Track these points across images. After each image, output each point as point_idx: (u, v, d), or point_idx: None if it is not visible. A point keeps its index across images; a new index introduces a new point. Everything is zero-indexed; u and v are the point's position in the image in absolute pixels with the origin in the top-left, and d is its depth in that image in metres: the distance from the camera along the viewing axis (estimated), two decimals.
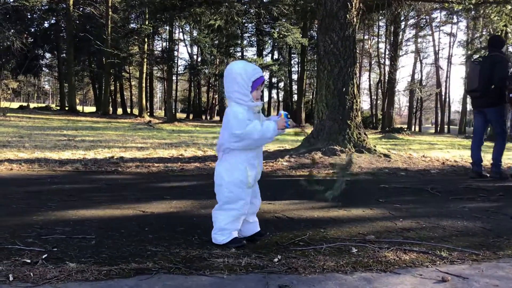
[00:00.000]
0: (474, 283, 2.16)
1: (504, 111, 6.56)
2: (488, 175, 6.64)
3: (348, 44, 7.84)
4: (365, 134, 8.16)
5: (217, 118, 47.34)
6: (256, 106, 2.57)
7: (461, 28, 48.12)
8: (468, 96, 6.87)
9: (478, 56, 6.87)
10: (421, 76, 54.21)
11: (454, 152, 11.69)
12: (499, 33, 10.16)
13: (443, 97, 51.39)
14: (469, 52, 36.21)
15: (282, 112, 2.63)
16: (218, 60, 36.72)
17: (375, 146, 8.23)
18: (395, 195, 4.69)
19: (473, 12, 12.61)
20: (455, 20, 44.74)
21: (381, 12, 12.18)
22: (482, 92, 6.43)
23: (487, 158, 7.12)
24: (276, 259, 2.39)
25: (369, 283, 2.13)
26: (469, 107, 48.11)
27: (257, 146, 2.63)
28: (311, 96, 46.53)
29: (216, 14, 10.92)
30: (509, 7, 9.16)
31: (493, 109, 6.43)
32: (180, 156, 7.82)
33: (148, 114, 35.71)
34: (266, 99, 46.72)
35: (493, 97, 6.35)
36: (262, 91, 2.75)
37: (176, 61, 40.80)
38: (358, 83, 8.50)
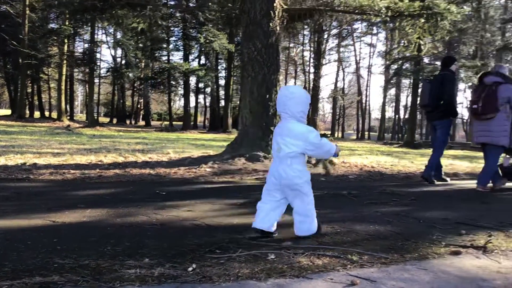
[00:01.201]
0: (381, 285, 2.24)
1: (450, 124, 7.36)
2: (448, 179, 7.43)
3: (271, 51, 7.98)
4: None
5: (142, 123, 46.33)
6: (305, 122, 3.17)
7: (380, 39, 50.46)
8: (421, 109, 7.76)
9: (431, 75, 7.60)
10: (344, 84, 56.21)
11: (372, 158, 12.20)
12: (414, 45, 10.73)
13: (364, 104, 53.58)
14: (387, 62, 38.11)
15: (330, 137, 3.13)
16: (143, 63, 36.04)
17: None
18: (316, 200, 4.80)
19: (390, 24, 13.27)
20: (375, 31, 46.98)
21: (304, 21, 12.50)
22: (432, 107, 7.13)
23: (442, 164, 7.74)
24: (190, 268, 2.37)
25: None
26: (387, 114, 50.62)
27: (318, 155, 3.26)
28: (238, 102, 46.78)
29: (140, 17, 10.73)
30: (422, 21, 9.72)
31: (440, 122, 7.15)
32: (99, 163, 7.57)
33: (68, 118, 34.32)
34: (192, 104, 46.51)
35: (442, 112, 7.05)
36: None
37: (98, 64, 39.53)
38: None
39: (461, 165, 11.31)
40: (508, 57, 35.48)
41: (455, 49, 36.55)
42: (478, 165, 11.27)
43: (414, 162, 11.65)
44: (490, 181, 6.57)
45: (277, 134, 3.16)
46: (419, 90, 39.64)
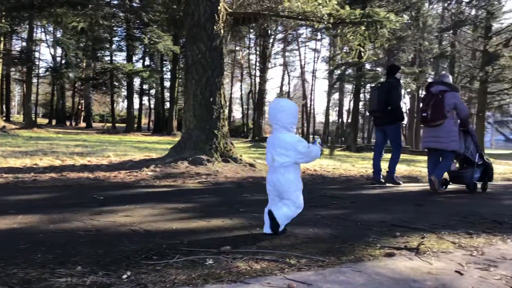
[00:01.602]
0: None
1: (400, 127, 7.85)
2: (383, 181, 7.78)
3: (215, 54, 7.95)
4: (231, 143, 8.32)
5: (83, 124, 44.96)
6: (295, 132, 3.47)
7: (324, 45, 51.60)
8: (370, 115, 8.43)
9: (377, 82, 8.18)
10: (289, 88, 56.98)
11: (315, 161, 12.40)
12: (355, 52, 11.01)
13: (309, 108, 54.48)
14: (331, 68, 38.93)
15: (317, 139, 3.59)
16: (84, 63, 34.99)
17: (241, 156, 8.42)
18: (255, 204, 4.81)
19: (333, 31, 13.56)
20: (319, 37, 47.92)
21: (250, 25, 12.56)
22: (381, 113, 7.61)
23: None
24: (125, 276, 2.30)
25: None
26: (331, 118, 51.73)
27: (307, 162, 3.51)
28: (183, 104, 46.33)
29: (80, 16, 10.39)
30: (363, 28, 10.00)
31: (391, 126, 7.65)
32: (34, 166, 7.27)
33: (4, 118, 32.74)
34: (136, 106, 45.61)
35: (390, 117, 7.57)
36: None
37: (37, 63, 37.99)
38: (225, 93, 8.65)
39: (399, 168, 11.69)
40: (445, 65, 37.09)
41: (395, 56, 37.85)
42: (416, 169, 11.72)
43: (355, 165, 11.95)
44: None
45: (270, 145, 3.44)
46: (361, 96, 40.78)
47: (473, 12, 28.77)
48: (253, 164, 8.16)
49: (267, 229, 3.39)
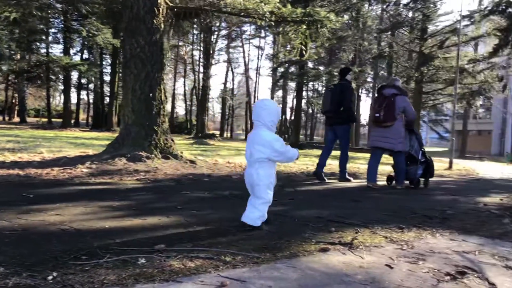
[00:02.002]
0: (250, 285, 2.26)
1: (350, 129, 8.22)
2: (326, 179, 8.15)
3: (155, 49, 7.80)
4: (172, 140, 8.20)
5: (17, 119, 42.95)
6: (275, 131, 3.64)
7: (268, 43, 51.85)
8: (324, 115, 8.87)
9: (331, 83, 8.54)
10: (233, 85, 56.94)
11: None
12: (296, 50, 11.14)
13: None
14: (274, 65, 39.27)
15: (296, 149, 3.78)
16: (18, 55, 33.39)
17: (182, 152, 8.32)
18: (194, 202, 4.77)
19: (276, 29, 13.65)
20: (263, 34, 48.20)
21: (193, 20, 12.41)
22: (333, 113, 7.96)
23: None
24: (50, 277, 2.20)
25: None
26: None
27: (282, 161, 3.66)
28: (122, 99, 45.28)
29: (12, 6, 9.87)
30: (304, 27, 10.12)
31: (341, 127, 8.02)
32: None
33: None
34: (74, 101, 44.12)
35: (342, 118, 7.94)
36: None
37: None
38: (166, 88, 8.50)
39: (336, 164, 11.95)
40: (383, 65, 38.29)
41: (336, 55, 38.73)
42: (354, 165, 12.02)
43: (296, 162, 12.09)
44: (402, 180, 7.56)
45: (250, 141, 3.59)
46: (304, 93, 41.38)
47: (410, 14, 29.85)
48: (194, 161, 8.08)
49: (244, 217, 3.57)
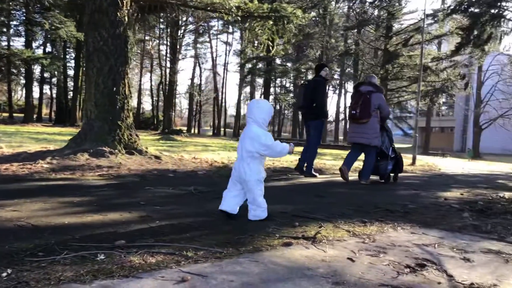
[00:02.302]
0: (212, 280, 2.23)
1: (322, 124, 8.22)
2: (317, 174, 8.37)
3: (119, 42, 7.65)
4: (136, 135, 8.08)
5: None
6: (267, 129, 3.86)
7: (236, 38, 51.71)
8: (298, 110, 9.11)
9: (305, 80, 8.66)
10: (200, 80, 56.59)
11: (224, 153, 12.42)
12: (263, 46, 11.14)
13: (220, 101, 54.51)
14: (242, 61, 39.22)
15: (292, 143, 4.07)
16: None
17: (147, 148, 8.20)
18: (158, 197, 4.71)
19: (243, 24, 13.62)
20: (230, 30, 48.04)
21: (158, 14, 12.24)
22: (306, 109, 8.10)
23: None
24: (5, 274, 2.12)
25: None
26: (242, 111, 52.17)
27: (271, 155, 3.81)
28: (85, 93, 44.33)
29: None
30: (271, 23, 10.12)
31: (314, 122, 8.10)
32: None
33: None
34: (37, 95, 42.99)
35: (314, 113, 8.04)
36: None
37: None
38: (130, 83, 8.35)
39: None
40: (350, 62, 38.77)
41: (304, 52, 38.96)
42: (320, 161, 12.12)
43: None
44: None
45: (242, 136, 3.83)
46: (271, 89, 41.50)
47: (376, 12, 30.32)
48: (159, 157, 7.98)
49: (222, 207, 3.77)
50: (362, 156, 8.00)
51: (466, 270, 2.65)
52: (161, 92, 48.21)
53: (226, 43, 53.22)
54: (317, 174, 8.31)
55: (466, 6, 12.73)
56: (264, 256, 2.72)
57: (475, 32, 13.14)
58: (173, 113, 41.10)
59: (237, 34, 49.37)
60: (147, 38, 44.58)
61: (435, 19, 23.18)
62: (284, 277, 2.33)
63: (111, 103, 7.56)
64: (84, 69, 30.22)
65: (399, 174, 8.46)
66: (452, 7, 13.68)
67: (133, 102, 52.64)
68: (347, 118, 8.01)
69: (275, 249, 2.90)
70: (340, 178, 7.65)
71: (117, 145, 7.47)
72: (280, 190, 6.19)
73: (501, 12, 11.09)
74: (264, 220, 3.75)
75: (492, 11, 11.38)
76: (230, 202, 3.78)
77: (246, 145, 3.71)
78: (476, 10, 12.28)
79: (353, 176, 8.11)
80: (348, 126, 8.17)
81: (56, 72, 36.49)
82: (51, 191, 4.71)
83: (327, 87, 8.43)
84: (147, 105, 63.49)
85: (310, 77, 38.22)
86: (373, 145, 7.47)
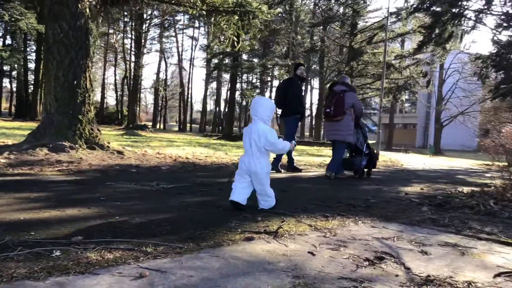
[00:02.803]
0: (171, 275, 2.20)
1: (296, 121, 8.42)
2: (299, 167, 8.75)
3: (80, 35, 7.47)
4: (98, 130, 7.92)
5: None
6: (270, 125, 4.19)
7: (202, 33, 51.29)
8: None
9: (284, 78, 8.94)
10: (166, 75, 55.94)
11: (188, 149, 12.34)
12: (228, 40, 11.08)
13: (186, 96, 54.05)
14: (208, 56, 38.97)
15: (293, 141, 4.61)
16: None
17: (109, 143, 8.05)
18: (119, 193, 4.63)
19: (208, 19, 13.51)
20: (196, 24, 47.66)
21: (121, 7, 12.01)
22: (282, 106, 8.34)
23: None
24: None
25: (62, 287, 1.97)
26: (208, 107, 51.90)
27: (274, 151, 4.26)
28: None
29: None
30: (237, 18, 10.08)
31: (287, 118, 8.34)
32: None
33: None
34: None
35: (288, 110, 8.28)
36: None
37: None
38: (92, 76, 8.17)
39: (272, 156, 12.06)
40: (315, 58, 39.06)
41: (270, 48, 39.02)
42: (285, 157, 12.18)
43: (229, 153, 12.10)
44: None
45: (249, 132, 4.12)
46: (238, 85, 41.39)
47: (341, 9, 30.62)
48: (122, 152, 7.85)
49: (233, 197, 4.04)
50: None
51: (424, 262, 2.70)
52: (126, 86, 47.40)
53: (192, 37, 52.83)
54: (282, 170, 8.39)
55: (428, 5, 12.97)
56: (225, 251, 2.70)
57: (437, 31, 13.43)
58: (138, 108, 40.49)
59: (204, 29, 49.07)
60: (111, 31, 43.78)
61: (399, 17, 23.59)
62: (244, 272, 2.32)
63: (72, 96, 7.38)
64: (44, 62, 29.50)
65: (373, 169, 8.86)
66: (415, 6, 13.94)
67: (97, 97, 51.71)
68: (323, 117, 8.31)
69: (236, 243, 2.88)
70: (304, 173, 7.72)
71: (78, 140, 7.31)
72: None
73: (461, 11, 11.37)
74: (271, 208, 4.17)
75: (453, 10, 11.65)
76: (240, 194, 4.05)
77: (255, 142, 4.06)
78: (438, 9, 12.55)
79: (317, 172, 8.19)
80: (323, 124, 8.42)
81: (16, 65, 35.42)
82: (8, 187, 4.57)
83: (303, 85, 8.54)
84: (111, 100, 62.39)
85: (276, 73, 38.42)
86: (346, 142, 7.75)
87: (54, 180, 5.23)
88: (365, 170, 8.52)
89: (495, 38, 10.09)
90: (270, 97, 58.47)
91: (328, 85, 8.87)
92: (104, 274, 2.17)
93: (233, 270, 2.34)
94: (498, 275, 2.50)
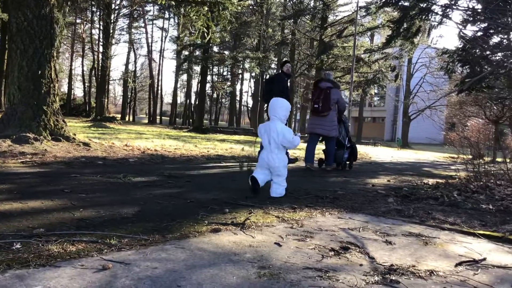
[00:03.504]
0: (135, 267, 2.17)
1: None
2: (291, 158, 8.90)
3: (44, 24, 7.28)
4: (63, 121, 7.75)
5: None
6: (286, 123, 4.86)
7: (172, 24, 50.70)
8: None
9: (270, 75, 8.94)
10: (135, 66, 55.13)
11: (158, 141, 12.21)
12: (198, 32, 10.99)
13: (156, 88, 53.41)
14: (178, 48, 38.59)
15: (298, 134, 4.94)
16: None
17: (75, 134, 7.89)
18: (84, 185, 4.54)
19: (179, 10, 13.36)
20: (167, 15, 47.08)
21: None
22: (268, 101, 8.23)
23: None
24: None
25: (21, 280, 1.92)
26: (179, 99, 51.38)
27: (289, 147, 4.84)
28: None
29: None
30: (206, 9, 10.00)
31: None
32: None
33: None
34: None
35: None
36: None
37: None
38: (57, 67, 7.97)
39: (237, 149, 12.07)
40: (286, 52, 39.12)
41: (241, 41, 38.90)
42: (255, 150, 12.19)
43: (198, 146, 12.04)
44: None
45: (268, 130, 4.67)
46: (208, 77, 41.18)
47: (312, 3, 30.74)
48: (88, 143, 7.70)
49: (256, 175, 4.65)
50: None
51: (387, 252, 2.75)
52: (94, 78, 46.46)
53: (162, 29, 52.14)
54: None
55: None
56: (191, 242, 2.68)
57: (405, 25, 13.58)
58: (106, 100, 39.81)
59: (174, 20, 48.52)
60: (78, 21, 42.84)
61: (368, 11, 23.79)
62: (210, 263, 2.31)
63: (36, 87, 7.19)
64: (8, 51, 28.66)
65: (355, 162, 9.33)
66: (384, 0, 14.07)
67: (64, 88, 50.65)
68: (309, 111, 8.65)
69: (203, 235, 2.87)
70: None
71: (43, 131, 7.13)
72: (212, 177, 6.15)
73: (429, 6, 11.53)
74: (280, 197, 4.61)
75: (421, 4, 11.79)
76: (260, 176, 4.62)
77: (274, 139, 4.61)
78: (406, 4, 12.68)
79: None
80: (309, 118, 8.71)
81: None
82: None
83: (288, 81, 8.91)
84: (79, 92, 61.17)
85: (247, 66, 38.30)
86: (331, 136, 8.16)
87: (17, 172, 5.09)
88: (347, 162, 8.91)
89: (461, 33, 10.28)
90: (241, 90, 58.44)
91: (313, 82, 9.36)
92: (65, 266, 2.13)
93: (198, 261, 2.33)
94: (460, 264, 2.56)
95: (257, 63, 31.72)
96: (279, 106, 4.73)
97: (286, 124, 8.60)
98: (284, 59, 10.82)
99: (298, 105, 50.74)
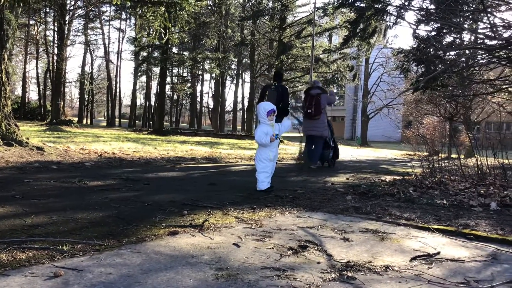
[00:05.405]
0: (88, 274, 2.11)
1: (287, 121, 9.11)
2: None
3: None
4: (16, 125, 7.49)
5: None
6: (270, 122, 5.18)
7: (129, 25, 49.83)
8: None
9: (271, 83, 9.33)
10: (92, 68, 53.96)
11: (116, 144, 11.97)
12: (155, 33, 10.85)
13: (114, 90, 52.41)
14: (136, 49, 37.99)
15: (278, 133, 5.29)
16: None
17: (27, 139, 7.64)
18: (37, 191, 4.39)
19: (134, 10, 13.15)
20: (124, 16, 46.32)
21: None
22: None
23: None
24: None
25: None
26: (138, 101, 50.60)
27: (265, 145, 5.17)
28: None
29: None
30: (163, 9, 9.87)
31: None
32: None
33: None
34: None
35: (281, 114, 8.53)
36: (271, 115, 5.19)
37: None
38: (9, 69, 7.70)
39: (200, 150, 11.99)
40: (246, 52, 39.16)
41: (201, 41, 38.68)
42: (216, 150, 12.14)
43: (158, 148, 11.87)
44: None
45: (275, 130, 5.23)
46: (168, 79, 40.71)
47: (270, 3, 30.87)
48: (42, 148, 7.47)
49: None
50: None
51: (345, 249, 2.77)
52: (49, 80, 45.14)
53: (119, 29, 51.17)
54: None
55: (352, 0, 13.33)
56: (148, 246, 2.63)
57: (361, 26, 13.82)
58: (62, 103, 38.73)
59: (131, 21, 47.73)
60: (32, 22, 41.56)
61: (326, 12, 24.07)
62: (167, 266, 2.27)
63: None
64: None
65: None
66: (340, 1, 14.25)
67: (18, 91, 49.06)
68: (303, 116, 8.98)
69: (160, 238, 2.82)
70: (234, 167, 7.72)
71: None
72: (171, 180, 6.08)
73: (384, 6, 11.76)
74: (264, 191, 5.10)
75: (376, 5, 12.02)
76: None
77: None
78: (362, 5, 12.90)
79: (248, 165, 8.21)
80: (302, 121, 9.10)
81: None
82: None
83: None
84: (33, 95, 59.38)
85: (207, 66, 38.03)
86: (324, 136, 8.95)
87: None
88: (332, 160, 9.70)
89: (415, 33, 10.53)
90: (201, 91, 58.07)
91: (304, 90, 10.22)
92: (15, 275, 2.05)
93: (154, 265, 2.29)
94: (414, 258, 2.61)
95: (217, 64, 31.59)
96: (258, 110, 5.28)
97: (277, 119, 8.90)
98: (279, 71, 11.22)
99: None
